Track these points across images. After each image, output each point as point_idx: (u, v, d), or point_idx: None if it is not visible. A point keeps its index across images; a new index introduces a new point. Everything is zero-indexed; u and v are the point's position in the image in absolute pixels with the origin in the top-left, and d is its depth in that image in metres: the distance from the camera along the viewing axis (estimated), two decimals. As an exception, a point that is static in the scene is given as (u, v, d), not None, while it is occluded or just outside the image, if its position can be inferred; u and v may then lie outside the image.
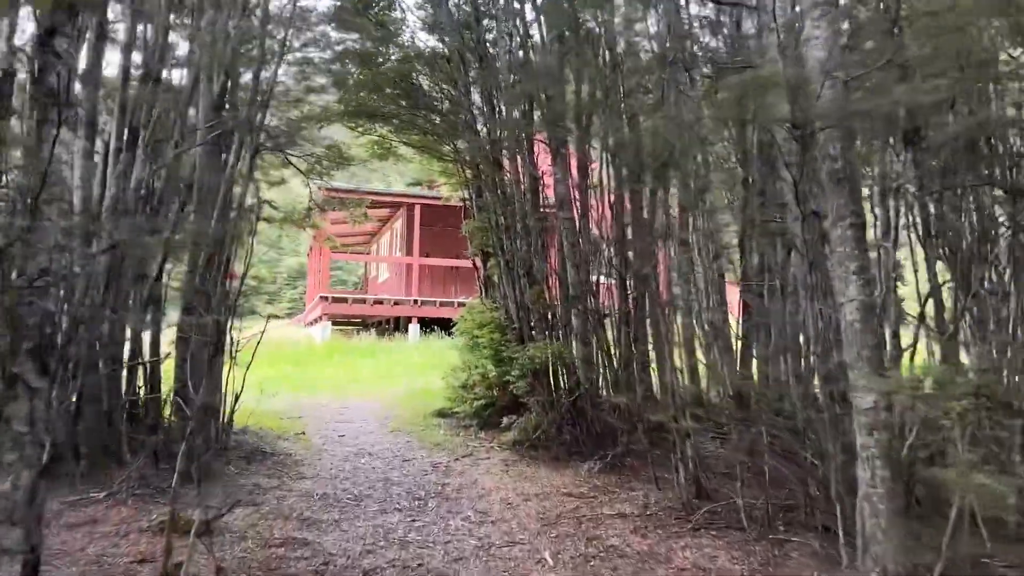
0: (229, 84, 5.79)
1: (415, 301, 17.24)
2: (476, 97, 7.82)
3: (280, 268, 42.06)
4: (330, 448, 6.46)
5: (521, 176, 7.14)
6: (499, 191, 7.25)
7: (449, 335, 8.00)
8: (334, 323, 18.27)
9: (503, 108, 7.39)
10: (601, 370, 6.53)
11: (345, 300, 17.63)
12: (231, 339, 5.89)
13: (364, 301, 17.95)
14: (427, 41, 8.23)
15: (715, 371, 6.01)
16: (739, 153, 6.60)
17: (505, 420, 6.15)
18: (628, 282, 6.73)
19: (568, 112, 6.85)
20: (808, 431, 4.07)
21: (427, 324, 16.63)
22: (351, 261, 35.89)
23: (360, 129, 8.94)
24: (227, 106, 5.75)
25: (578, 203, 6.62)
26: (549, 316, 6.77)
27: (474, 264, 8.58)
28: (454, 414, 7.62)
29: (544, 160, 7.31)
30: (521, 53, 7.10)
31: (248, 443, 5.97)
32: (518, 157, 7.21)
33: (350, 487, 5.09)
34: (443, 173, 10.17)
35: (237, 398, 5.86)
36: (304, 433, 7.02)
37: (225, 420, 5.69)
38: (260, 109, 6.28)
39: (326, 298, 16.85)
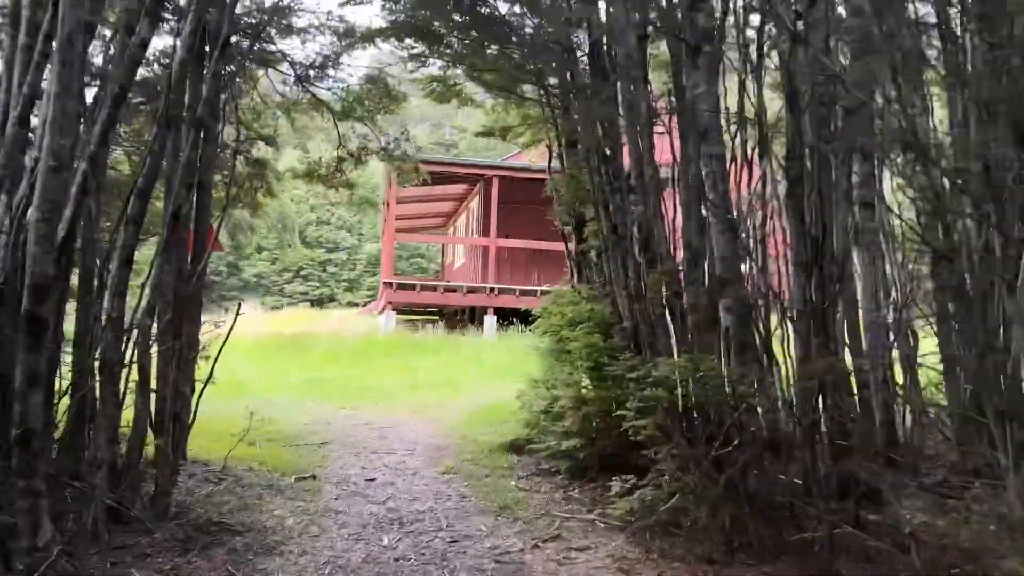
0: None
1: (491, 289, 14.95)
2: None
3: (360, 254, 40.99)
4: (344, 508, 4.22)
5: (635, 101, 4.71)
6: (602, 122, 4.81)
7: (531, 329, 5.99)
8: (400, 312, 16.25)
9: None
10: (773, 399, 4.06)
11: (412, 287, 15.53)
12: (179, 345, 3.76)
13: (434, 288, 15.83)
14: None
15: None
16: None
17: (616, 484, 3.72)
18: (817, 260, 4.18)
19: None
20: None
21: (505, 316, 14.32)
22: (431, 244, 34.08)
23: (419, 57, 6.63)
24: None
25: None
26: (681, 311, 4.32)
27: (563, 235, 6.17)
28: (532, 450, 5.27)
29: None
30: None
31: (204, 507, 3.79)
32: (630, 73, 4.76)
33: (342, 617, 2.82)
34: (523, 121, 7.80)
35: (187, 430, 3.72)
36: (315, 476, 4.85)
37: (165, 476, 3.54)
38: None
39: (390, 284, 14.82)
